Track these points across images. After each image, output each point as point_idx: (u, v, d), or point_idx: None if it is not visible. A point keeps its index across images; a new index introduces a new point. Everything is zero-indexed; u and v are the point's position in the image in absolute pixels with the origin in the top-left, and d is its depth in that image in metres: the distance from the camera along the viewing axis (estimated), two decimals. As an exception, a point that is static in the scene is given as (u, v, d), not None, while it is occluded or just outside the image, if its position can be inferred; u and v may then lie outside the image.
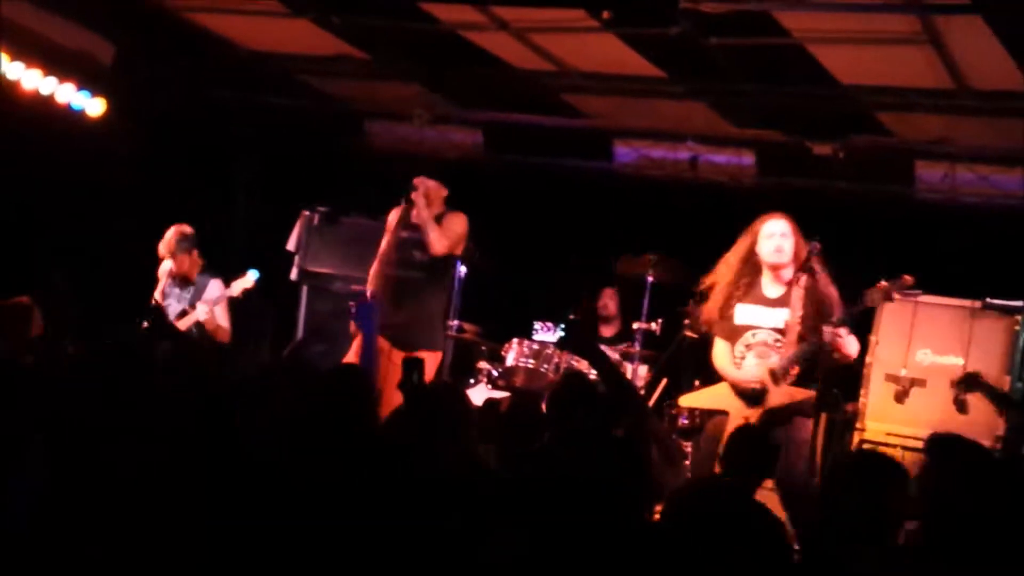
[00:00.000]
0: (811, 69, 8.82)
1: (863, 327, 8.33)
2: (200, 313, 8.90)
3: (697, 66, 9.15)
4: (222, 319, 9.12)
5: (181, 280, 9.19)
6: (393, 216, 8.51)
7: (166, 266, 9.22)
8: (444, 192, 8.38)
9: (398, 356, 8.02)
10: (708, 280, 7.13)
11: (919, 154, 10.05)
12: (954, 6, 7.52)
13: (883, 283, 6.66)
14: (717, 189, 10.51)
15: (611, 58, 9.35)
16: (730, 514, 3.52)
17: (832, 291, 6.80)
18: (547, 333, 9.65)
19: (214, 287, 9.10)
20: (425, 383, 6.03)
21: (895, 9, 7.72)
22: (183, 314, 9.00)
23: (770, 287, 6.93)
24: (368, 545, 3.93)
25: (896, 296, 6.74)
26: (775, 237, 6.90)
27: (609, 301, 10.41)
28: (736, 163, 10.63)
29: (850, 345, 6.68)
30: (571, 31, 8.98)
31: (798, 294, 6.75)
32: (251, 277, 9.11)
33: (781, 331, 6.78)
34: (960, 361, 8.04)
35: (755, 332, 6.87)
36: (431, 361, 8.14)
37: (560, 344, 9.27)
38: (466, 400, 5.41)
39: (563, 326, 9.43)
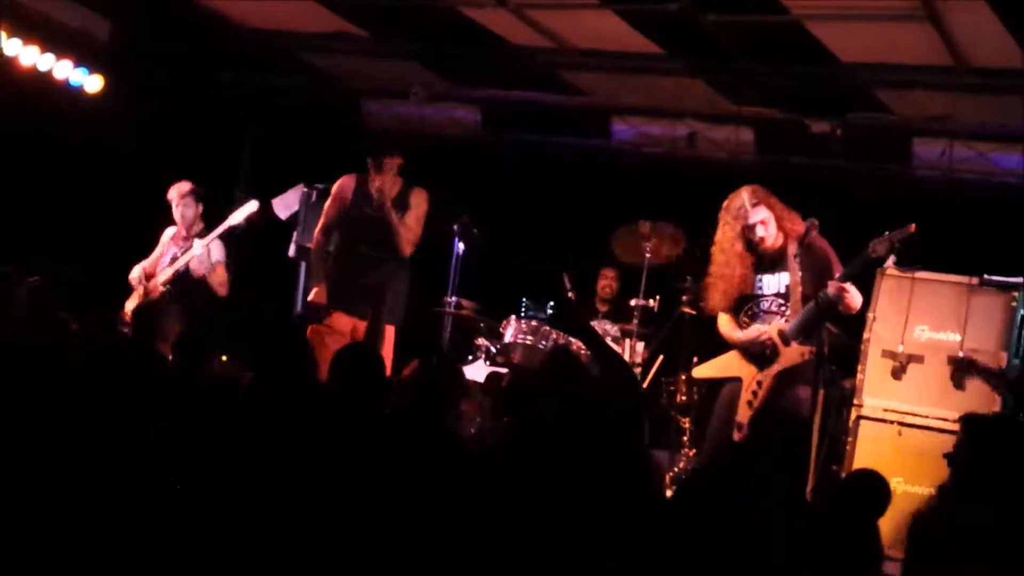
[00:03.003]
0: (810, 46, 8.82)
1: (862, 305, 8.36)
2: (196, 247, 8.65)
3: (695, 43, 9.16)
4: (217, 254, 8.81)
5: (182, 239, 8.97)
6: (343, 187, 8.36)
7: (169, 233, 9.09)
8: (399, 160, 8.26)
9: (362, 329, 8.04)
10: (712, 272, 7.08)
11: (917, 131, 10.07)
12: (953, -18, 7.54)
13: (887, 233, 6.69)
14: (716, 166, 10.52)
15: (609, 35, 9.35)
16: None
17: (829, 251, 6.82)
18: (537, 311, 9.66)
19: (217, 248, 8.86)
20: None
21: (894, -15, 7.74)
22: (173, 259, 8.83)
23: (765, 255, 6.96)
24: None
25: (898, 243, 6.73)
26: (756, 228, 6.90)
27: (612, 283, 10.41)
28: (734, 140, 10.65)
29: (856, 298, 6.73)
30: (569, 8, 9.01)
31: (792, 252, 6.81)
32: (252, 204, 8.89)
33: (783, 295, 6.83)
34: (957, 337, 8.02)
35: (758, 300, 6.92)
36: (393, 335, 8.19)
37: (551, 322, 9.28)
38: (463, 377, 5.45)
39: (553, 304, 9.46)
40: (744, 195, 6.94)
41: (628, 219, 9.77)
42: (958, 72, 8.89)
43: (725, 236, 6.98)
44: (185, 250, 8.80)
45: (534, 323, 9.31)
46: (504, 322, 9.37)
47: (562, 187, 10.96)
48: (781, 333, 6.75)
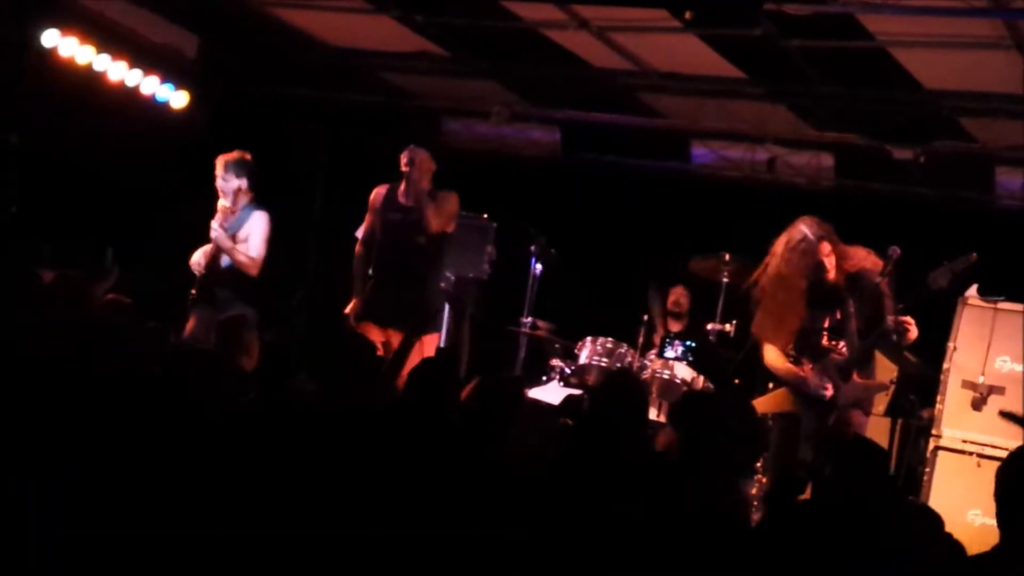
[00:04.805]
0: (894, 73, 8.76)
1: (942, 334, 8.27)
2: (222, 239, 8.25)
3: (778, 68, 9.13)
4: (253, 242, 8.34)
5: (226, 212, 8.49)
6: (376, 196, 8.29)
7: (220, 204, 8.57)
8: (433, 167, 8.10)
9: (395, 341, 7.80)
10: (774, 312, 6.95)
11: (1000, 160, 9.94)
12: (1041, 11, 7.46)
13: (946, 263, 6.58)
14: (795, 191, 10.46)
15: (691, 58, 9.35)
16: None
17: (885, 287, 6.67)
18: (676, 351, 9.64)
19: (256, 218, 8.40)
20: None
21: (980, 14, 7.64)
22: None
23: (820, 289, 6.85)
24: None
25: (960, 274, 6.60)
26: (825, 263, 6.78)
27: (681, 298, 10.35)
28: (815, 165, 10.56)
29: (915, 330, 6.59)
30: (652, 31, 8.99)
31: (842, 288, 6.71)
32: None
33: (836, 330, 6.72)
34: (1040, 369, 7.95)
35: (809, 335, 6.80)
36: (433, 343, 8.08)
37: (690, 364, 9.23)
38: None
39: (691, 344, 9.42)
40: (809, 230, 6.78)
41: (705, 241, 9.73)
42: (1043, 101, 8.79)
43: (790, 272, 6.80)
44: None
45: (609, 344, 9.29)
46: (579, 343, 9.36)
47: (640, 209, 10.95)
48: (840, 369, 6.62)
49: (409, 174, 7.99)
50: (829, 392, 6.60)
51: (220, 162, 8.51)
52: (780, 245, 6.86)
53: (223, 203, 8.48)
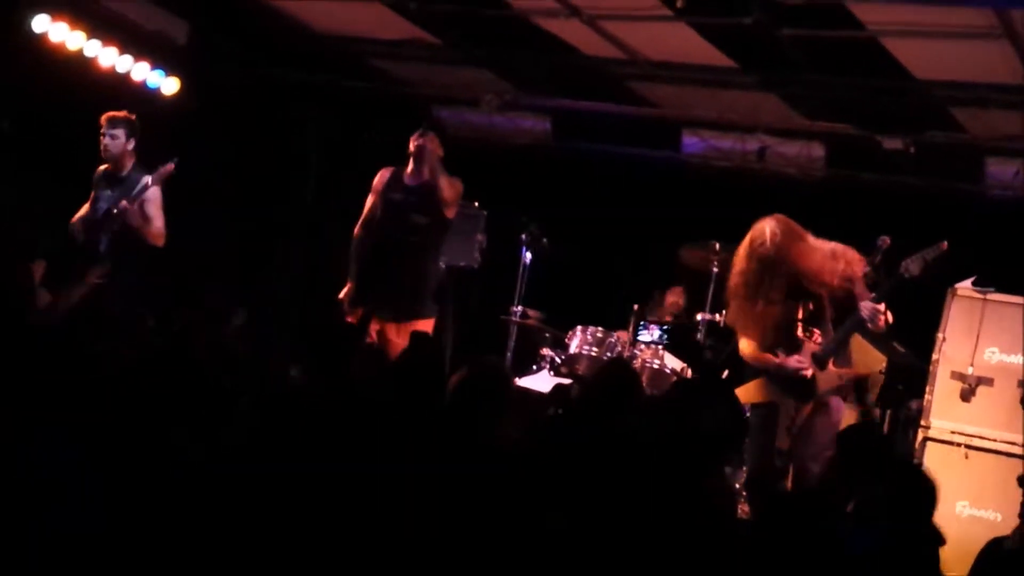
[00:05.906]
0: (885, 63, 8.76)
1: (931, 325, 8.28)
2: (120, 205, 8.02)
3: (769, 57, 9.11)
4: (153, 213, 8.17)
5: (110, 176, 8.30)
6: (380, 177, 8.22)
7: (101, 171, 8.42)
8: (441, 152, 8.04)
9: (403, 328, 7.75)
10: (754, 310, 6.87)
11: (991, 151, 9.94)
12: (1032, 1, 7.45)
13: (920, 252, 6.56)
14: (785, 181, 10.46)
15: (682, 47, 9.33)
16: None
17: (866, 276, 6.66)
18: (651, 333, 9.64)
19: (145, 182, 8.14)
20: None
21: (971, 3, 7.65)
22: (109, 214, 8.14)
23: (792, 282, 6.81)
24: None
25: (931, 262, 6.58)
26: (788, 262, 6.74)
27: (679, 299, 10.37)
28: (805, 155, 10.55)
29: (889, 317, 6.58)
30: (643, 19, 8.98)
31: (814, 281, 6.68)
32: (170, 165, 8.14)
33: (809, 320, 6.71)
34: (1029, 360, 7.96)
35: (782, 325, 6.76)
36: (427, 329, 7.97)
37: (667, 348, 9.23)
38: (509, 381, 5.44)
39: (666, 328, 9.40)
40: (771, 235, 6.71)
41: (696, 231, 9.73)
42: (1034, 92, 8.79)
43: (751, 277, 6.76)
44: (115, 202, 8.13)
45: (599, 333, 9.30)
46: (570, 332, 9.36)
47: (630, 198, 10.94)
48: (815, 357, 6.61)
49: (421, 149, 7.91)
50: (808, 371, 6.59)
51: (107, 118, 8.30)
52: (743, 247, 6.84)
53: (102, 168, 8.33)
